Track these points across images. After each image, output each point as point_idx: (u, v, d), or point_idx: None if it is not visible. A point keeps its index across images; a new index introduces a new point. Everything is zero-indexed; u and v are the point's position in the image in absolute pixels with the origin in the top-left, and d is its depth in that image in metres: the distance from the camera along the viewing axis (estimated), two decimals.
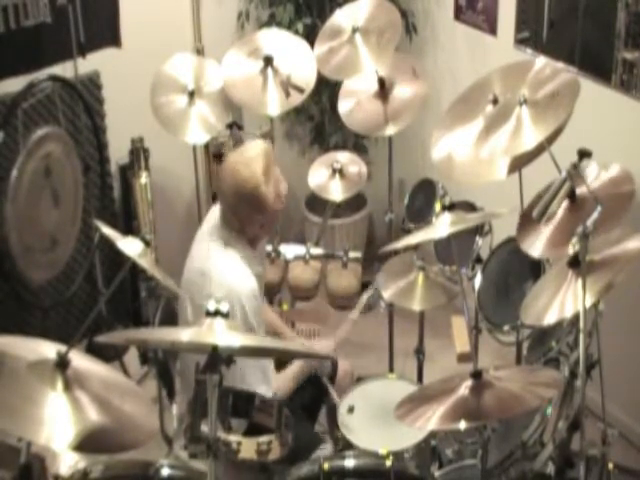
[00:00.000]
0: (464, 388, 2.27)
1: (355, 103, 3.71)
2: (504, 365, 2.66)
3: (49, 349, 2.07)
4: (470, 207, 3.43)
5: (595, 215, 2.56)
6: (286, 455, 2.44)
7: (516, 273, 3.22)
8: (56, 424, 1.93)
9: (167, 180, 4.54)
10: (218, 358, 2.15)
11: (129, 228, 4.34)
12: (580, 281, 2.20)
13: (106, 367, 2.24)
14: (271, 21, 4.45)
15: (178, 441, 2.96)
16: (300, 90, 3.72)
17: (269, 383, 2.95)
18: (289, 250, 3.68)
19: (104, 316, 4.14)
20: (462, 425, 2.23)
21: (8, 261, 3.74)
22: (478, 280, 3.31)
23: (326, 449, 3.08)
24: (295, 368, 3.18)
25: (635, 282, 2.50)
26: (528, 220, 2.81)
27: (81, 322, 4.14)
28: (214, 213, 3.08)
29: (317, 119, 4.76)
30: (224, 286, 2.86)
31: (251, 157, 2.93)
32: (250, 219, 2.95)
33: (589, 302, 2.19)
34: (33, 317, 4.06)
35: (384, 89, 3.64)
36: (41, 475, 2.39)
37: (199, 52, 4.45)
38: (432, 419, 2.22)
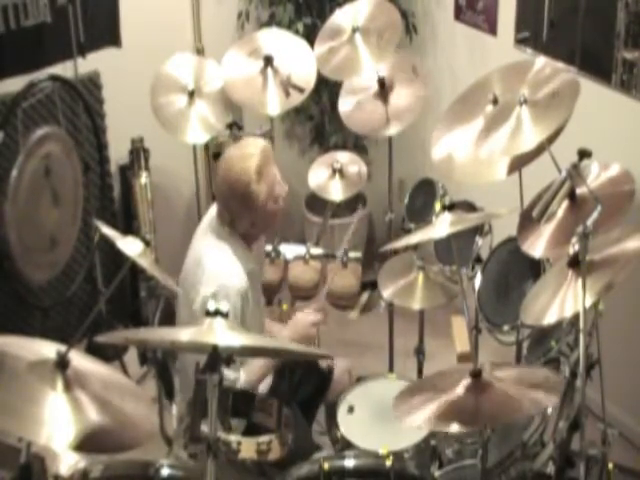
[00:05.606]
0: (463, 388, 2.27)
1: (355, 103, 3.71)
2: (502, 363, 2.64)
3: (49, 349, 2.06)
4: (470, 207, 3.43)
5: (595, 215, 2.56)
6: (285, 457, 2.44)
7: (516, 273, 3.22)
8: (56, 424, 1.93)
9: (167, 180, 4.54)
10: (218, 358, 2.15)
11: (129, 228, 4.34)
12: (580, 281, 2.20)
13: (106, 367, 2.24)
14: (271, 21, 4.45)
15: (178, 441, 2.96)
16: (300, 90, 3.72)
17: (237, 369, 2.94)
18: (289, 250, 3.67)
19: (104, 316, 4.13)
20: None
21: (8, 261, 3.74)
22: (478, 280, 3.30)
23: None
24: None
25: (635, 282, 2.50)
26: (528, 220, 2.81)
27: (81, 322, 4.11)
28: (213, 208, 3.12)
29: (317, 119, 4.76)
30: (214, 279, 2.92)
31: (247, 153, 2.97)
32: (240, 215, 2.99)
33: (589, 302, 2.19)
34: (33, 317, 4.05)
35: (384, 89, 3.64)
36: (41, 475, 2.39)
37: (199, 52, 4.45)
38: (431, 419, 2.21)
